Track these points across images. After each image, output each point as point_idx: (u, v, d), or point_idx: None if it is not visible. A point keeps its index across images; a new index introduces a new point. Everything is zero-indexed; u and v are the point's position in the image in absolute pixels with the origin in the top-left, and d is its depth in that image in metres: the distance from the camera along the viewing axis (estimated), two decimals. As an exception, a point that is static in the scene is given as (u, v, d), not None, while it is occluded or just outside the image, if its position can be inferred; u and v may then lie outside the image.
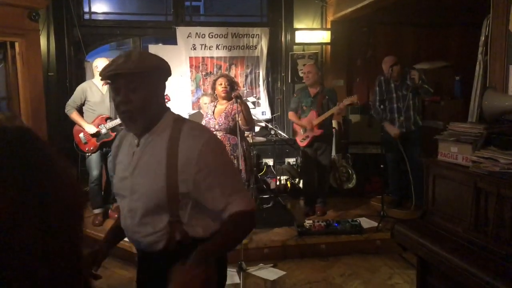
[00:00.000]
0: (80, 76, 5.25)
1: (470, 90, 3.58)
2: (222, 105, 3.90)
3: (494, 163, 2.21)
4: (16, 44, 4.46)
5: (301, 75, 5.72)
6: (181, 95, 5.50)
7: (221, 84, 3.87)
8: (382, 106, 4.53)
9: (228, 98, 3.88)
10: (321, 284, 3.47)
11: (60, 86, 5.10)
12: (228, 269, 3.74)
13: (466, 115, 3.57)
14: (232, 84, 3.91)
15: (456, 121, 2.68)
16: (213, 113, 3.94)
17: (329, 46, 5.86)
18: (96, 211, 4.49)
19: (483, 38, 3.27)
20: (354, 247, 3.95)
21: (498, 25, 2.88)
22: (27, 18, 4.45)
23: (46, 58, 5.03)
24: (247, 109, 3.81)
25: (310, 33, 5.72)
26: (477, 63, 3.39)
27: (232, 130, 3.81)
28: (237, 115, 3.72)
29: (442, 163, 2.58)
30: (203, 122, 3.97)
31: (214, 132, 3.77)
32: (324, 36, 5.74)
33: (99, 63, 4.37)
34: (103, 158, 4.48)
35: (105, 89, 4.44)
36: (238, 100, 3.74)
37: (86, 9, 5.45)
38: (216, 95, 3.98)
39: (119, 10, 8.30)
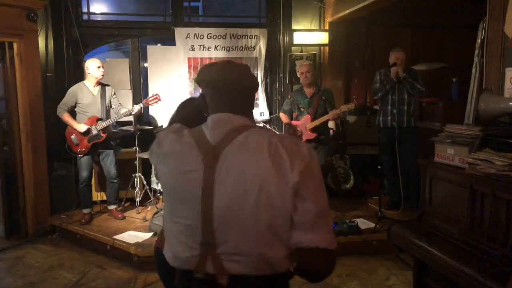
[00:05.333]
0: (79, 76, 5.25)
1: (467, 92, 3.60)
2: None
3: (489, 165, 2.22)
4: (15, 45, 4.46)
5: (299, 76, 5.75)
6: (179, 95, 5.50)
7: None
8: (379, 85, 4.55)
9: None
10: (319, 285, 3.48)
11: (59, 86, 5.10)
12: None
13: (463, 117, 3.58)
14: None
15: (453, 122, 2.69)
16: None
17: (327, 47, 5.87)
18: (85, 210, 4.60)
19: (479, 41, 3.29)
20: (351, 248, 3.97)
21: (494, 28, 2.90)
22: (25, 18, 4.45)
23: (45, 58, 5.03)
24: None
25: (308, 34, 5.73)
26: (474, 65, 3.41)
27: None
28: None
29: (439, 165, 2.60)
30: None
31: None
32: (322, 37, 5.75)
33: (90, 64, 4.39)
34: (94, 160, 4.53)
35: (96, 90, 4.46)
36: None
37: (84, 10, 5.44)
38: None
39: (117, 11, 8.30)
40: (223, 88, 1.29)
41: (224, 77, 1.29)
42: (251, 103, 1.37)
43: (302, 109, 4.56)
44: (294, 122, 4.60)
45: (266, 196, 1.14)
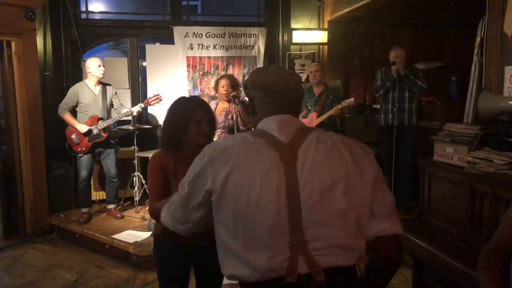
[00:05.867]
0: (77, 75, 5.23)
1: (466, 91, 3.60)
2: (224, 104, 3.93)
3: (489, 164, 2.22)
4: (13, 44, 4.45)
5: (300, 73, 5.75)
6: (178, 94, 5.48)
7: (223, 86, 3.90)
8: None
9: (230, 100, 3.89)
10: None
11: (57, 85, 5.09)
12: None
13: (462, 116, 3.58)
14: (234, 85, 3.94)
15: (452, 121, 2.69)
16: (214, 111, 3.98)
17: (326, 46, 5.87)
18: (84, 210, 4.59)
19: (479, 39, 3.28)
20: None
21: (494, 27, 2.89)
22: (23, 17, 4.43)
23: (43, 57, 5.01)
24: (245, 109, 3.81)
25: (307, 33, 5.73)
26: (473, 64, 3.40)
27: (231, 129, 3.82)
28: (234, 115, 3.73)
29: (438, 164, 2.59)
30: None
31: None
32: (321, 36, 5.74)
33: (91, 63, 4.39)
34: (94, 159, 4.52)
35: (97, 89, 4.45)
36: (236, 100, 3.76)
37: (83, 9, 5.43)
38: (217, 95, 4.03)
39: (116, 10, 8.28)
40: (281, 91, 1.32)
41: (283, 81, 1.33)
42: (299, 108, 1.42)
43: (309, 107, 4.65)
44: (303, 120, 4.66)
45: (352, 190, 1.19)
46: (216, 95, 4.18)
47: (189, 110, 2.01)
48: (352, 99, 4.42)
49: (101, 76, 4.42)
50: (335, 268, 1.16)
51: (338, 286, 1.17)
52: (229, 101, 3.88)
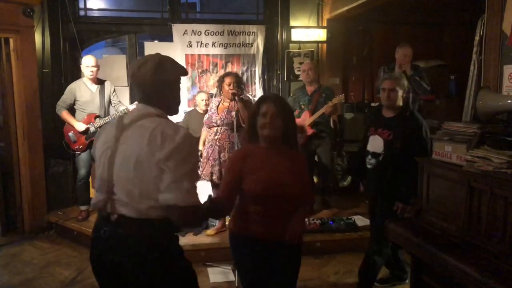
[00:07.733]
0: (76, 73, 5.21)
1: (465, 89, 3.60)
2: (227, 102, 3.87)
3: (487, 163, 2.22)
4: (11, 41, 4.44)
5: (297, 73, 5.74)
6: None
7: (229, 85, 3.80)
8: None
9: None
10: (316, 282, 3.49)
11: (55, 82, 5.07)
12: (223, 267, 3.72)
13: (461, 114, 3.58)
14: (239, 84, 3.87)
15: (451, 120, 2.69)
16: (217, 108, 3.95)
17: (325, 44, 5.86)
18: (82, 207, 4.59)
19: (478, 38, 3.28)
20: (348, 245, 3.97)
21: (493, 25, 2.89)
22: (21, 14, 4.42)
23: (41, 54, 4.99)
24: (246, 106, 3.77)
25: (306, 31, 5.72)
26: (472, 62, 3.40)
27: (232, 126, 3.80)
28: (234, 112, 3.73)
29: (436, 162, 2.60)
30: (205, 117, 3.99)
31: (217, 128, 3.85)
32: (320, 34, 5.73)
33: (83, 61, 4.40)
34: (92, 157, 4.51)
35: (94, 87, 4.45)
36: (236, 98, 3.74)
37: (81, 6, 5.41)
38: (222, 92, 3.93)
39: (114, 7, 8.24)
40: (135, 87, 1.75)
41: (132, 80, 1.74)
42: (164, 94, 1.73)
43: (302, 106, 4.58)
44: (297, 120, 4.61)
45: (140, 166, 1.60)
46: (216, 92, 4.14)
47: (257, 104, 2.20)
48: (342, 96, 4.35)
49: (90, 76, 4.40)
50: (126, 216, 1.64)
51: (126, 228, 1.64)
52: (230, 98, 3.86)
